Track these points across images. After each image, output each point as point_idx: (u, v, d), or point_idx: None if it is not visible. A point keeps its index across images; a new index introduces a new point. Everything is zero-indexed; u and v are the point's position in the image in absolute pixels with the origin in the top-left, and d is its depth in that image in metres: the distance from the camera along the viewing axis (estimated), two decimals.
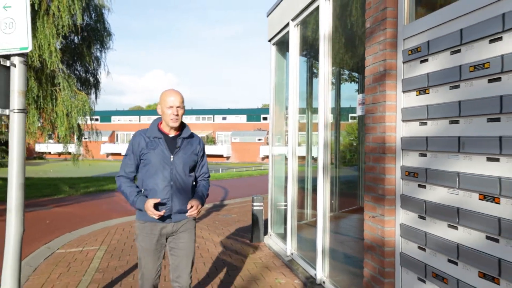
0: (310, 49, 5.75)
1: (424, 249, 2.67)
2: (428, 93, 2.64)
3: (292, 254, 5.41)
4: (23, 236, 3.16)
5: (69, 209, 10.03)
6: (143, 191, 2.94)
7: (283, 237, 5.95)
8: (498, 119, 2.10)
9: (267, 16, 6.50)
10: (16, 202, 3.07)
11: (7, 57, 3.11)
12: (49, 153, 51.52)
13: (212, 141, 53.17)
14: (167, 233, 3.00)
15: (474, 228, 2.23)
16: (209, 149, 47.74)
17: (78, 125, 15.94)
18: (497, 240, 2.09)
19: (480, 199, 2.20)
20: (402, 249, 2.91)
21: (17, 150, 3.08)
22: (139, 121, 58.48)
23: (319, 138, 4.40)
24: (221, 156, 50.45)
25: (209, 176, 3.25)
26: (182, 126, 3.08)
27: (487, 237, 2.15)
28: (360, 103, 3.55)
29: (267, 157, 46.07)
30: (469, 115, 2.28)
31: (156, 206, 2.84)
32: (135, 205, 2.90)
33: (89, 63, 17.02)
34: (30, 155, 51.37)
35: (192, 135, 3.09)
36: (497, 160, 2.10)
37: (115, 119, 58.76)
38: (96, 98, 17.29)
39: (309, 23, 5.16)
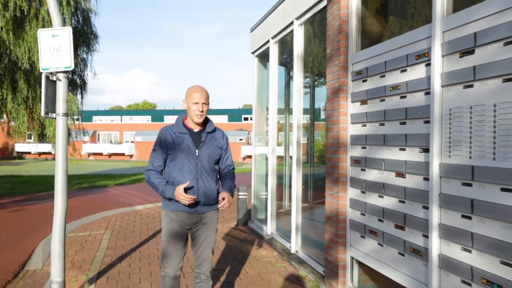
0: (287, 60, 6.81)
1: (364, 215, 3.76)
2: (367, 104, 3.73)
3: (271, 233, 6.48)
4: (67, 210, 4.11)
5: (68, 202, 10.82)
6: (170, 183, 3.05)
7: (264, 221, 7.00)
8: (405, 123, 3.20)
9: (251, 32, 7.55)
10: (61, 184, 4.04)
11: (54, 74, 4.06)
12: (29, 152, 51.34)
13: None
14: (191, 223, 3.11)
15: (392, 196, 3.32)
16: None
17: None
18: (403, 202, 3.19)
19: (395, 176, 3.30)
20: (351, 216, 4.00)
21: (62, 144, 4.04)
22: (121, 121, 58.70)
23: (293, 138, 5.47)
24: None
25: (233, 168, 3.32)
26: (205, 121, 3.16)
27: (399, 201, 3.25)
28: (323, 109, 4.64)
29: (248, 156, 47.10)
30: (389, 120, 3.37)
31: (185, 192, 2.93)
32: (165, 194, 3.00)
33: (76, 65, 17.55)
34: (10, 155, 51.13)
35: (215, 130, 3.18)
36: (404, 149, 3.20)
37: (96, 119, 58.82)
38: (82, 98, 17.84)
39: (286, 41, 6.22)
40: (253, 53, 7.53)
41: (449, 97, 2.73)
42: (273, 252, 5.81)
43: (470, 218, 2.54)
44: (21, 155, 52.42)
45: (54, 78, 4.04)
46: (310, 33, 5.46)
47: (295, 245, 5.48)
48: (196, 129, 3.12)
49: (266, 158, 6.90)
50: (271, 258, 5.50)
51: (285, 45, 6.33)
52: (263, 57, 7.33)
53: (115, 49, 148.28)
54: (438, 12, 2.81)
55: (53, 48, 4.04)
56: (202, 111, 3.02)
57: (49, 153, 45.23)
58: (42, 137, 17.39)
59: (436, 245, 2.80)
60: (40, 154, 51.24)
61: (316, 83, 6.66)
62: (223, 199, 3.01)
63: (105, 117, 59.76)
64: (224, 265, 5.21)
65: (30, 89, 15.60)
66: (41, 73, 3.98)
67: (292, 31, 5.57)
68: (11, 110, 15.69)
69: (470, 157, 2.54)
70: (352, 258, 4.00)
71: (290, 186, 5.95)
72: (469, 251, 2.54)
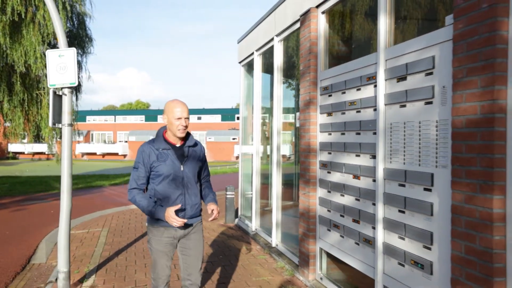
0: (269, 70, 7.40)
1: (330, 211, 4.36)
2: (332, 116, 4.34)
3: (256, 229, 7.08)
4: (71, 209, 4.67)
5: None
6: (156, 200, 3.05)
7: (250, 219, 7.59)
8: (359, 133, 3.80)
9: (238, 43, 8.13)
10: (67, 186, 4.60)
11: (60, 89, 4.61)
12: (23, 153, 51.57)
13: None
14: (179, 236, 3.15)
15: (350, 194, 3.93)
16: None
17: None
18: (359, 200, 3.80)
19: (353, 178, 3.91)
20: (319, 213, 4.60)
21: (67, 150, 4.61)
22: (114, 120, 59.01)
23: (274, 142, 6.07)
24: None
25: (209, 176, 3.44)
26: (186, 135, 3.17)
27: (355, 199, 3.86)
28: (298, 119, 5.24)
29: None
30: (348, 130, 3.98)
31: (176, 213, 2.93)
32: (154, 215, 3.00)
33: None
34: (3, 155, 51.31)
35: (196, 144, 3.22)
36: (359, 156, 3.81)
37: (90, 119, 59.10)
38: (77, 100, 18.23)
39: (268, 54, 6.81)
40: (239, 62, 8.12)
41: (390, 113, 3.34)
42: (257, 246, 6.41)
43: (404, 212, 3.15)
44: (14, 155, 52.64)
45: (60, 93, 4.61)
46: (289, 48, 6.06)
47: (275, 239, 6.09)
48: (178, 143, 3.13)
49: (252, 156, 7.47)
50: (254, 252, 6.10)
51: (267, 57, 6.92)
52: (249, 66, 7.91)
53: (107, 48, 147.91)
54: (381, 43, 3.42)
55: (59, 66, 4.60)
56: (185, 126, 3.04)
57: (43, 153, 45.62)
58: (37, 138, 17.82)
59: (381, 235, 3.42)
60: (33, 154, 51.40)
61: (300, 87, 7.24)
62: (212, 211, 3.11)
63: (98, 117, 60.06)
64: (212, 257, 5.80)
65: (26, 91, 16.00)
66: (49, 88, 4.55)
67: (272, 46, 6.17)
68: (7, 112, 16.10)
69: (404, 163, 3.16)
70: (321, 249, 4.61)
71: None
72: (403, 239, 3.15)
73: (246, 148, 7.97)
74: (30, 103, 16.26)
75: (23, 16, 13.85)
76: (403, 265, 3.15)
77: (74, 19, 17.74)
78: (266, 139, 7.33)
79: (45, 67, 15.86)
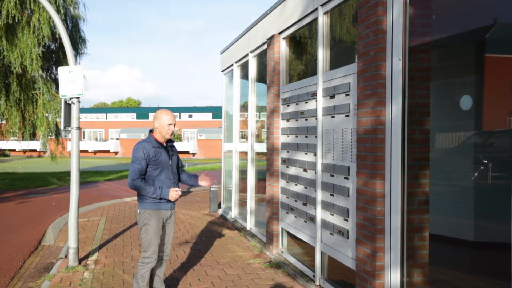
0: (247, 78, 8.47)
1: (288, 197, 5.47)
2: (289, 122, 5.44)
3: (235, 217, 8.19)
4: (79, 197, 5.72)
5: (66, 195, 12.29)
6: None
7: (230, 208, 8.68)
8: (307, 136, 4.91)
9: (221, 54, 9.21)
10: (75, 177, 5.65)
11: (70, 99, 5.65)
12: (14, 150, 52.09)
13: (178, 138, 55.23)
14: (167, 217, 4.01)
15: (301, 184, 5.04)
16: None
17: (56, 125, 17.75)
18: (306, 188, 4.91)
19: (303, 171, 5.02)
20: (281, 199, 5.72)
21: (76, 148, 5.65)
22: (106, 118, 59.66)
23: (249, 142, 7.17)
24: (187, 152, 52.53)
25: (184, 167, 4.45)
26: None
27: (304, 187, 4.97)
28: (266, 123, 6.35)
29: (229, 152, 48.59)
30: (300, 134, 5.09)
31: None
32: (160, 196, 3.83)
33: None
34: None
35: (173, 142, 4.16)
36: (307, 154, 4.92)
37: (81, 116, 59.26)
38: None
39: (245, 66, 7.90)
40: (222, 71, 9.19)
41: (325, 122, 4.45)
42: (234, 230, 7.51)
43: (333, 195, 4.27)
44: (5, 153, 53.08)
45: (70, 102, 5.65)
46: (260, 62, 7.15)
47: (250, 224, 7.20)
48: (164, 143, 4.01)
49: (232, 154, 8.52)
50: (232, 234, 7.20)
51: (245, 68, 8.01)
52: (230, 74, 8.98)
53: (98, 44, 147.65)
54: (320, 68, 4.54)
55: (69, 80, 5.63)
56: (173, 130, 3.98)
57: (35, 150, 46.30)
58: (33, 136, 18.61)
59: (319, 214, 4.53)
60: (24, 151, 51.89)
61: None
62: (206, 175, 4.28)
63: (90, 115, 60.61)
64: (196, 239, 6.89)
65: (22, 92, 16.79)
66: (61, 98, 5.59)
67: (247, 60, 7.26)
68: (4, 111, 16.89)
69: (333, 159, 4.27)
70: (282, 229, 5.73)
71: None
72: (333, 215, 4.27)
73: (228, 146, 9.05)
74: (26, 103, 17.00)
75: (18, 20, 14.49)
76: (332, 234, 4.28)
77: (69, 22, 18.53)
78: (244, 138, 8.42)
79: (41, 68, 16.85)
